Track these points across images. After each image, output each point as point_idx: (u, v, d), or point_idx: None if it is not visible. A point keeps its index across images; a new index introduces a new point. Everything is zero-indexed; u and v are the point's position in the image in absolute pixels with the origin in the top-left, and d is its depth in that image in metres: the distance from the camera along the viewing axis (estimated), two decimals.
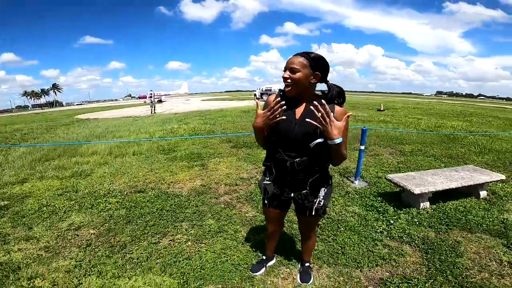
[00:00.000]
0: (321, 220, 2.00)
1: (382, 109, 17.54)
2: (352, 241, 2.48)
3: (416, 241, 2.48)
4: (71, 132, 10.26)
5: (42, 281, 2.03)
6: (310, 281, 1.97)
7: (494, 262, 2.20)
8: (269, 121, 1.39)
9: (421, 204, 3.09)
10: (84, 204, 3.41)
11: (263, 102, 1.59)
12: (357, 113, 14.21)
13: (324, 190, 1.53)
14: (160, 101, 32.72)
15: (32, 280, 2.03)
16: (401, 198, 3.32)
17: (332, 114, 1.28)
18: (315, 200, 1.53)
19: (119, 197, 3.60)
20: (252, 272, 2.05)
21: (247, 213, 3.08)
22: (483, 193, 3.46)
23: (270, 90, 29.27)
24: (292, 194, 1.58)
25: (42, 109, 65.26)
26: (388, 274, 2.09)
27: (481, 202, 3.30)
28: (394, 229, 2.68)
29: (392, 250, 2.36)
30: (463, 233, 2.63)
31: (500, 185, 3.88)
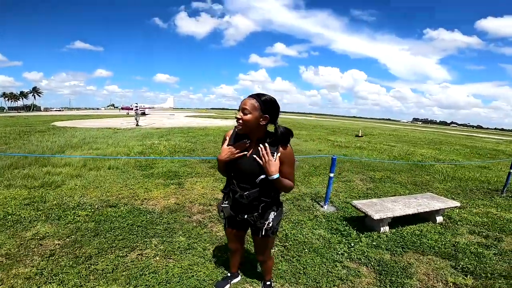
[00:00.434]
0: (274, 240, 2.13)
1: (360, 135, 18.42)
2: (314, 262, 2.62)
3: (372, 263, 2.66)
4: (46, 140, 9.91)
5: (0, 285, 1.99)
6: None
7: (440, 283, 2.41)
8: (232, 157, 1.60)
9: (381, 228, 3.34)
10: (51, 215, 3.35)
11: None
12: (336, 139, 14.84)
13: (274, 213, 1.71)
14: (143, 114, 32.33)
15: None
16: (364, 223, 3.56)
17: (275, 154, 1.53)
18: (265, 222, 1.70)
19: (89, 210, 3.56)
20: None
21: (218, 232, 3.15)
22: (439, 219, 3.79)
23: None
24: (246, 216, 1.73)
25: (18, 112, 62.26)
26: None
27: (436, 227, 3.60)
28: (354, 252, 2.86)
29: (350, 271, 2.52)
30: (416, 255, 2.85)
31: (457, 211, 4.26)
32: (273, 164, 1.50)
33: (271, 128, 1.63)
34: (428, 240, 3.19)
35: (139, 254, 2.56)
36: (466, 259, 2.79)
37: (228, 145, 1.63)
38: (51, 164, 5.97)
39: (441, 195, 4.73)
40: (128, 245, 2.70)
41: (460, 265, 2.67)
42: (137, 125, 18.72)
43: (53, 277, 2.14)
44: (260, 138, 1.60)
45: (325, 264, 2.59)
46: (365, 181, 5.96)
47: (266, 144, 1.52)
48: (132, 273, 2.25)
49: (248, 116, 1.51)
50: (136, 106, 21.42)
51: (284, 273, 2.42)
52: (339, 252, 2.83)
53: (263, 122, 1.53)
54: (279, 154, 1.54)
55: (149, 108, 46.62)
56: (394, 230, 3.41)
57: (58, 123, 19.49)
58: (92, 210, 3.55)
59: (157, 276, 2.23)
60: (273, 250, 2.81)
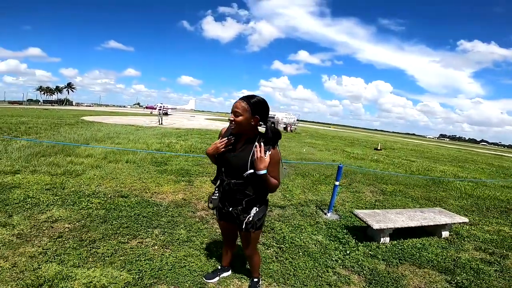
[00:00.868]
0: (259, 236, 2.15)
1: (379, 148, 17.88)
2: (307, 265, 2.63)
3: (365, 272, 2.64)
4: (74, 132, 10.58)
5: (4, 262, 2.18)
6: None
7: None
8: (217, 151, 1.75)
9: (382, 239, 3.29)
10: (67, 201, 3.60)
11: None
12: (352, 150, 14.52)
13: (256, 209, 1.81)
14: (166, 114, 33.44)
15: None
16: (366, 233, 3.52)
17: (267, 152, 1.64)
18: (246, 216, 1.81)
19: (102, 198, 3.78)
20: (206, 279, 2.20)
21: (218, 229, 3.22)
22: (445, 233, 3.68)
23: (273, 117, 29.92)
24: (230, 209, 1.84)
25: (52, 105, 66.56)
26: None
27: (441, 241, 3.51)
28: (348, 259, 2.84)
29: (340, 277, 2.51)
30: (411, 268, 2.80)
31: (467, 227, 4.11)
32: (263, 161, 1.60)
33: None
34: (428, 253, 3.13)
35: (139, 242, 2.70)
36: (464, 274, 2.74)
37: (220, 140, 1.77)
38: (75, 155, 6.38)
39: (453, 212, 4.55)
40: (131, 233, 2.86)
41: (455, 280, 2.62)
42: (160, 123, 19.85)
43: (55, 257, 2.31)
44: (251, 137, 1.73)
45: (316, 269, 2.60)
46: (375, 193, 5.82)
47: (262, 143, 1.63)
48: (129, 258, 2.39)
49: (240, 118, 1.64)
50: (161, 106, 22.62)
51: (274, 273, 2.45)
52: (334, 259, 2.82)
53: (253, 122, 1.67)
54: (269, 153, 1.65)
55: (171, 108, 48.10)
56: (395, 242, 3.35)
57: (87, 118, 20.66)
58: (105, 199, 3.77)
59: (151, 263, 2.35)
60: (268, 250, 2.85)
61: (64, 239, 2.61)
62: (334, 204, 4.31)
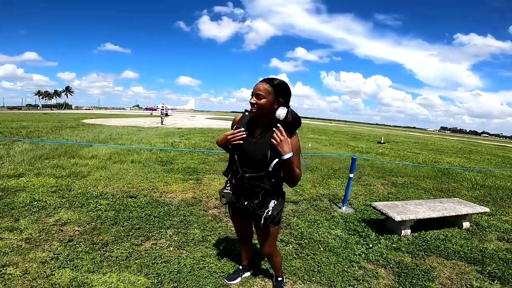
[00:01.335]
0: (278, 232, 2.03)
1: (382, 141, 17.71)
2: (330, 261, 2.53)
3: (391, 265, 2.55)
4: (75, 135, 10.46)
5: (14, 269, 2.06)
6: None
7: (464, 287, 2.28)
8: (228, 143, 1.62)
9: (403, 231, 3.20)
10: (75, 203, 3.48)
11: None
12: (357, 144, 14.39)
13: (274, 202, 1.67)
14: (166, 115, 33.52)
15: (4, 268, 2.06)
16: (385, 225, 3.41)
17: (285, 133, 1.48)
18: (264, 210, 1.66)
19: (111, 199, 3.66)
20: (227, 281, 2.08)
21: (233, 227, 3.09)
22: (466, 224, 3.59)
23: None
24: (246, 203, 1.68)
25: (51, 109, 66.51)
26: None
27: (462, 232, 3.43)
28: (372, 253, 2.75)
29: (367, 272, 2.41)
30: (439, 259, 2.72)
31: (486, 217, 4.02)
32: (287, 143, 1.46)
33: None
34: (453, 245, 3.04)
35: (153, 244, 2.58)
36: (494, 264, 2.66)
37: (237, 127, 1.63)
38: (79, 156, 6.26)
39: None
40: (144, 234, 2.74)
41: (487, 270, 2.54)
42: (162, 123, 20.30)
43: (68, 262, 2.18)
44: (270, 123, 1.58)
45: (340, 264, 2.50)
46: (386, 186, 5.71)
47: (280, 127, 1.48)
48: (145, 261, 2.26)
49: (263, 101, 1.51)
50: (163, 107, 23.25)
51: (298, 270, 2.34)
52: (356, 253, 2.72)
53: (276, 105, 1.53)
54: (289, 139, 1.52)
55: (171, 109, 47.98)
56: (416, 234, 3.26)
57: (87, 121, 20.55)
58: (113, 200, 3.65)
59: (169, 265, 2.23)
60: (287, 247, 2.74)
61: (75, 242, 2.49)
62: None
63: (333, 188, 5.16)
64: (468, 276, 2.44)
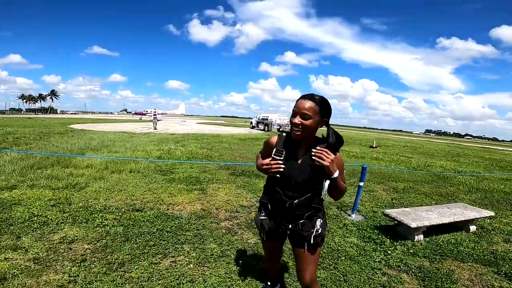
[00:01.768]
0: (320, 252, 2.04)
1: (374, 146, 17.99)
2: (353, 269, 2.54)
3: (413, 270, 2.60)
4: (65, 141, 10.06)
5: None
6: None
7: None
8: (268, 173, 1.50)
9: (416, 237, 3.26)
10: (79, 218, 3.28)
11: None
12: (350, 149, 14.54)
13: (320, 221, 1.58)
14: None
15: None
16: (396, 231, 3.46)
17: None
18: (312, 230, 1.55)
19: (116, 213, 3.48)
20: None
21: (249, 239, 3.03)
22: (472, 228, 3.72)
23: (267, 119, 29.82)
24: (290, 226, 1.58)
25: (35, 114, 64.28)
26: None
27: (470, 236, 3.55)
28: (391, 259, 2.78)
29: (391, 278, 2.44)
30: (455, 263, 2.79)
31: (489, 220, 4.16)
32: (334, 162, 1.40)
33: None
34: (465, 248, 3.15)
35: (172, 262, 2.44)
36: (507, 265, 2.77)
37: (273, 154, 1.51)
38: (73, 166, 5.99)
39: None
40: (161, 252, 2.59)
41: (503, 271, 2.65)
42: (155, 128, 20.52)
43: (87, 285, 2.03)
44: (312, 143, 1.50)
45: (364, 272, 2.51)
46: (388, 191, 5.79)
47: (323, 148, 1.41)
48: (169, 281, 2.13)
49: (309, 121, 1.40)
50: (155, 112, 23.36)
51: (324, 281, 2.33)
52: (376, 260, 2.75)
53: (321, 126, 1.46)
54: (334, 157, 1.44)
55: (162, 114, 47.37)
56: (428, 238, 3.35)
57: (75, 126, 19.92)
58: (119, 214, 3.47)
59: (195, 285, 2.11)
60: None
61: (89, 262, 2.32)
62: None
63: None
64: (486, 277, 2.53)
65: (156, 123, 22.10)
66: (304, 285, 1.64)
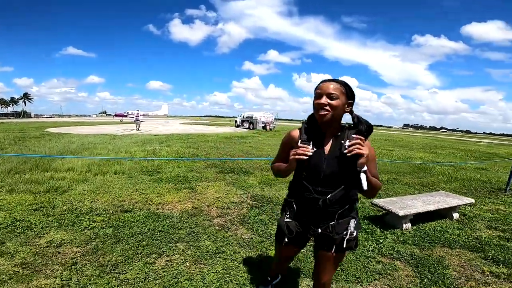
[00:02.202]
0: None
1: None
2: (348, 258, 2.59)
3: (405, 257, 2.69)
4: (42, 145, 9.59)
5: None
6: None
7: (477, 272, 2.47)
8: (291, 166, 1.37)
9: (404, 225, 3.38)
10: (64, 221, 3.15)
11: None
12: None
13: (354, 221, 1.42)
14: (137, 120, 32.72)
15: None
16: (385, 221, 3.57)
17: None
18: (345, 232, 1.39)
19: (104, 215, 3.37)
20: None
21: (243, 235, 3.02)
22: (455, 215, 3.89)
23: (251, 117, 29.83)
24: (320, 230, 1.42)
25: (8, 118, 60.92)
26: (387, 287, 2.22)
27: (454, 223, 3.71)
28: (384, 248, 2.87)
29: (385, 265, 2.52)
30: (444, 249, 2.91)
31: (469, 208, 4.38)
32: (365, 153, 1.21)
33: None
34: (451, 235, 3.29)
35: (167, 261, 2.39)
36: (492, 251, 2.89)
37: (302, 142, 1.36)
38: (53, 169, 5.73)
39: None
40: (155, 251, 2.54)
41: (490, 256, 2.75)
42: (138, 129, 20.58)
43: None
44: (337, 132, 1.35)
45: (359, 261, 2.57)
46: None
47: (360, 137, 1.24)
48: (166, 281, 2.09)
49: (337, 101, 1.26)
50: (138, 113, 23.24)
51: None
52: (369, 249, 2.82)
53: (348, 109, 1.32)
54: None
55: (144, 115, 46.34)
56: (415, 227, 3.48)
57: (52, 129, 19.02)
58: (107, 216, 3.36)
59: (194, 283, 2.08)
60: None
61: (81, 265, 2.24)
62: None
63: None
64: (475, 262, 2.65)
65: (139, 125, 22.03)
66: (319, 284, 1.55)
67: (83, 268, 2.21)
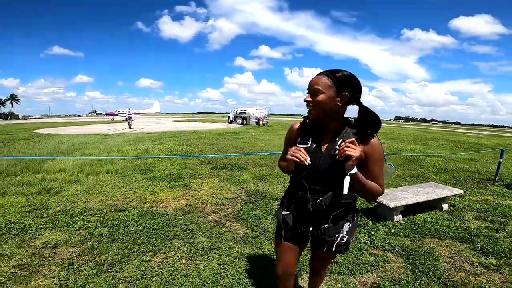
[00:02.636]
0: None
1: None
2: None
3: (396, 249, 2.75)
4: (32, 146, 9.44)
5: None
6: None
7: (467, 264, 2.53)
8: (290, 166, 1.32)
9: (395, 217, 3.45)
10: (58, 222, 3.15)
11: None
12: None
13: (349, 225, 1.37)
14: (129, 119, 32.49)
15: None
16: (376, 213, 3.65)
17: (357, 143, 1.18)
18: (337, 236, 1.36)
19: (98, 215, 3.38)
20: None
21: (238, 230, 3.07)
22: (445, 206, 3.96)
23: (244, 113, 29.79)
24: (311, 229, 1.41)
25: None
26: (379, 278, 2.28)
27: (444, 214, 3.77)
28: (376, 240, 2.93)
29: (377, 257, 2.58)
30: (434, 240, 2.98)
31: (458, 199, 4.45)
32: (353, 152, 1.13)
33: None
34: (440, 226, 3.35)
35: (163, 258, 2.43)
36: (481, 242, 2.95)
37: (298, 143, 1.33)
38: (44, 171, 5.67)
39: None
40: (150, 249, 2.57)
41: (479, 247, 2.81)
42: (130, 127, 20.70)
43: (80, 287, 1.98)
44: (339, 128, 1.27)
45: (352, 253, 2.63)
46: None
47: (353, 139, 1.18)
48: (163, 277, 2.13)
49: (321, 96, 1.19)
50: (129, 112, 23.70)
51: None
52: (362, 241, 2.89)
53: (340, 102, 1.20)
54: (364, 146, 1.22)
55: (135, 113, 45.81)
56: (406, 218, 3.54)
57: (41, 131, 18.69)
58: (102, 215, 3.37)
59: (190, 279, 2.12)
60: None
61: (77, 265, 2.26)
62: None
63: None
64: (465, 254, 2.70)
65: (130, 123, 22.06)
66: (315, 271, 1.70)
67: (80, 267, 2.23)
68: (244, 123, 28.96)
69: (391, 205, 3.32)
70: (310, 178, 1.30)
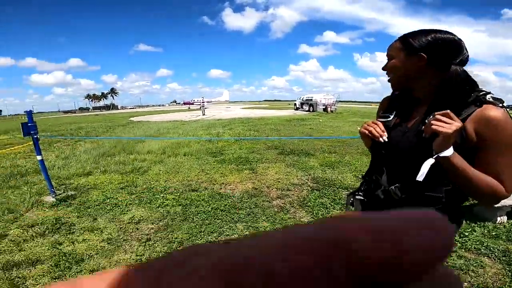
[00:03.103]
0: None
1: None
2: None
3: (495, 253, 2.27)
4: (127, 132, 11.12)
5: None
6: None
7: None
8: (373, 137, 1.05)
9: (498, 218, 2.82)
10: (143, 199, 3.57)
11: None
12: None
13: None
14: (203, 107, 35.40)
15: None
16: (473, 212, 3.03)
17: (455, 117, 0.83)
18: None
19: (175, 194, 3.71)
20: None
21: (302, 218, 2.95)
22: None
23: (311, 99, 28.81)
24: None
25: (100, 111, 72.78)
26: (467, 284, 1.94)
27: None
28: (469, 241, 2.46)
29: (469, 261, 2.17)
30: None
31: None
32: (445, 129, 0.80)
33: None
34: None
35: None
36: None
37: (381, 116, 1.09)
38: (136, 152, 6.56)
39: None
40: (216, 230, 2.68)
41: None
42: (203, 114, 22.81)
43: None
44: (430, 100, 0.96)
45: None
46: None
47: (447, 110, 0.82)
48: None
49: (392, 62, 1.00)
50: (203, 100, 25.96)
51: None
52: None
53: (419, 63, 0.93)
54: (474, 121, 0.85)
55: (207, 102, 49.26)
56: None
57: (134, 118, 21.89)
58: (178, 194, 3.69)
59: None
60: None
61: (153, 241, 2.51)
62: None
63: None
64: None
65: (204, 111, 23.91)
66: None
67: (154, 244, 2.47)
68: (311, 110, 28.00)
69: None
70: (389, 158, 1.05)
